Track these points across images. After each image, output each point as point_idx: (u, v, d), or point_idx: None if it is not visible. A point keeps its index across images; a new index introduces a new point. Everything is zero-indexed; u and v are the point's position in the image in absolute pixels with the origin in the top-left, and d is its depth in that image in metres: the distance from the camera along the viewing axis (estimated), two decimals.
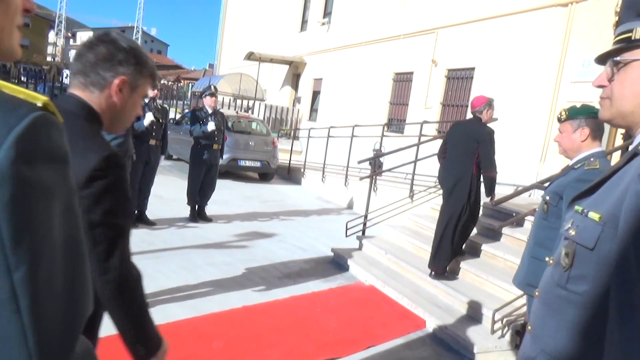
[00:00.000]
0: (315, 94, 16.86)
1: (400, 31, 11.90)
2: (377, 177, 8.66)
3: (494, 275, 4.46)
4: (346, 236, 6.35)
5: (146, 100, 6.20)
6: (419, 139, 7.78)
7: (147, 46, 63.82)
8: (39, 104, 0.65)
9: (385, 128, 11.32)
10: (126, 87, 1.37)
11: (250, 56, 17.88)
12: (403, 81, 11.95)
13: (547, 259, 2.65)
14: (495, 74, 8.96)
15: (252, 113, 16.29)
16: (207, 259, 5.43)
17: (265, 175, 11.94)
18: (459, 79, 10.07)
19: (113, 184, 1.26)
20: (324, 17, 16.48)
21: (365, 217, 6.42)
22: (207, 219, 7.13)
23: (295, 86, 18.68)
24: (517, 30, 8.59)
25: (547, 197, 2.73)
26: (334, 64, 15.23)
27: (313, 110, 17.00)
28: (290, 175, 12.88)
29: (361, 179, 6.67)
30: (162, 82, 46.60)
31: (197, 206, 7.12)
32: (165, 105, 8.53)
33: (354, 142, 10.86)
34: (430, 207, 6.60)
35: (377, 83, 12.80)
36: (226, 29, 27.70)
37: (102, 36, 1.39)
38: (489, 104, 4.77)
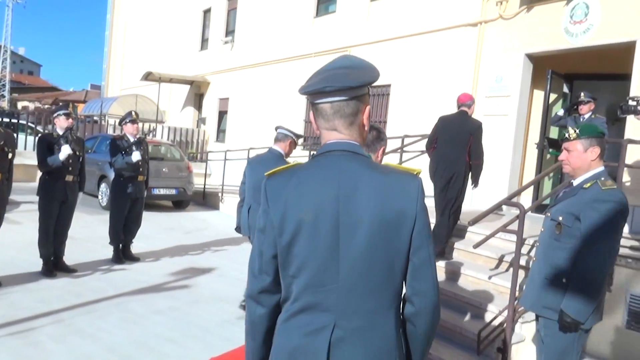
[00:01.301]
0: (222, 114, 16.32)
1: (311, 50, 11.92)
2: None
3: (467, 295, 4.46)
4: None
5: (60, 132, 5.47)
6: None
7: (16, 67, 57.88)
8: None
9: (303, 147, 11.24)
10: None
11: (148, 76, 16.87)
12: None
13: (564, 280, 2.64)
14: (412, 91, 9.26)
15: (154, 136, 15.35)
16: (149, 306, 4.84)
17: (180, 202, 11.21)
18: (375, 96, 10.26)
19: None
20: (226, 35, 16.06)
21: None
22: (134, 259, 6.44)
23: (198, 106, 17.96)
24: (431, 48, 8.96)
25: (560, 218, 2.70)
26: (241, 83, 14.87)
27: (220, 130, 16.43)
28: (206, 200, 12.25)
29: None
30: (37, 105, 42.62)
31: (121, 245, 6.40)
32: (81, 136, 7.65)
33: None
34: None
35: (290, 101, 12.67)
36: (114, 47, 26.03)
37: None
38: (474, 101, 5.35)
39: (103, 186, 10.21)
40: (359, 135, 1.54)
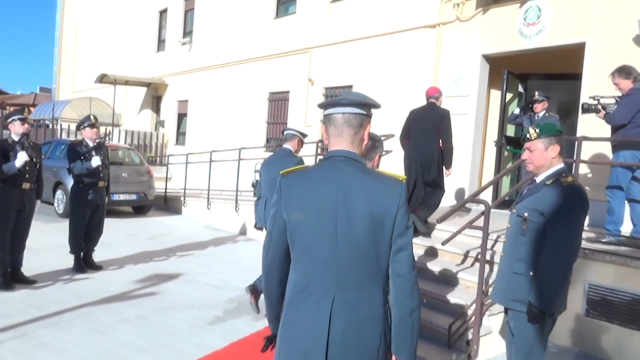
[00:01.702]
0: (181, 117, 16.04)
1: (272, 51, 11.89)
2: None
3: (434, 289, 4.56)
4: None
5: (16, 138, 5.25)
6: (316, 158, 7.78)
7: None
8: None
9: (272, 148, 11.21)
10: None
11: (102, 78, 16.38)
12: (279, 100, 11.93)
13: (531, 273, 2.76)
14: (374, 91, 9.35)
15: (111, 140, 14.94)
16: (116, 316, 4.71)
17: (141, 208, 10.95)
18: (338, 96, 10.33)
19: None
20: (184, 36, 15.79)
21: None
22: (97, 267, 6.25)
23: (156, 109, 17.58)
24: (392, 49, 9.10)
25: (526, 214, 2.81)
26: (201, 84, 14.66)
27: (180, 133, 16.14)
28: (168, 205, 12.01)
29: None
30: None
31: (82, 253, 6.20)
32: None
33: (232, 164, 10.52)
34: None
35: (251, 103, 12.59)
36: (65, 48, 25.13)
37: None
38: (441, 93, 5.89)
39: (59, 193, 9.86)
40: (358, 146, 1.91)
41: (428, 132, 5.56)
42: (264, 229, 4.86)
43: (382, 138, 6.68)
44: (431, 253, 5.26)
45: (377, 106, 1.94)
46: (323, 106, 1.94)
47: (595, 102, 4.93)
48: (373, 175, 1.87)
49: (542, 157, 2.82)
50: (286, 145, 4.97)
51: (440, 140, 5.59)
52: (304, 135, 5.13)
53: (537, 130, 2.80)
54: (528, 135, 2.84)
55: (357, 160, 1.88)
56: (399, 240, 1.81)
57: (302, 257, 1.86)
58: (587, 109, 4.96)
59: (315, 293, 1.82)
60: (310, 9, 11.02)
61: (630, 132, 4.65)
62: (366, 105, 1.89)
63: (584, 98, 6.50)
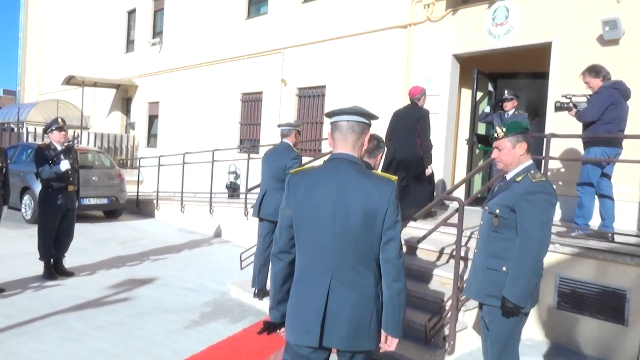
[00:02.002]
0: (152, 119, 15.78)
1: (244, 51, 11.81)
2: (248, 203, 8.41)
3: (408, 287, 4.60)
4: (241, 269, 6.00)
5: None
6: None
7: None
8: None
9: (240, 149, 11.15)
10: None
11: (70, 80, 15.99)
12: (252, 101, 11.86)
13: (504, 268, 2.82)
14: (347, 91, 9.42)
15: (80, 143, 14.59)
16: (89, 322, 4.61)
17: (112, 212, 10.73)
18: (310, 97, 10.35)
19: None
20: (153, 37, 15.55)
21: None
22: (68, 273, 6.10)
23: (126, 111, 17.26)
24: (364, 49, 9.16)
25: (497, 211, 2.87)
26: (172, 86, 14.46)
27: (151, 135, 15.88)
28: (140, 208, 11.81)
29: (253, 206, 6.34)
30: None
31: (52, 260, 6.04)
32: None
33: (205, 166, 10.42)
34: None
35: (224, 104, 12.49)
36: (30, 50, 24.45)
37: None
38: (424, 93, 6.09)
39: (26, 198, 9.58)
40: (359, 150, 2.26)
41: (408, 131, 5.84)
42: (259, 219, 5.25)
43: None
44: (407, 251, 5.31)
45: (375, 117, 2.29)
46: (330, 115, 2.27)
47: (568, 100, 5.07)
48: (368, 176, 2.21)
49: (510, 155, 2.88)
50: (285, 140, 5.21)
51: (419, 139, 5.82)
52: (298, 126, 5.40)
53: (504, 129, 2.87)
54: (495, 135, 2.91)
55: (356, 162, 2.23)
56: (389, 232, 2.16)
57: (305, 244, 2.21)
58: (560, 107, 5.10)
59: (315, 275, 2.18)
60: (282, 9, 10.99)
61: (600, 129, 4.80)
62: (367, 115, 2.25)
63: (552, 96, 6.68)
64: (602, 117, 4.77)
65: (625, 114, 4.85)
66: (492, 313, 2.87)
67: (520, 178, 2.84)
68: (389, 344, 2.22)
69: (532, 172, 2.83)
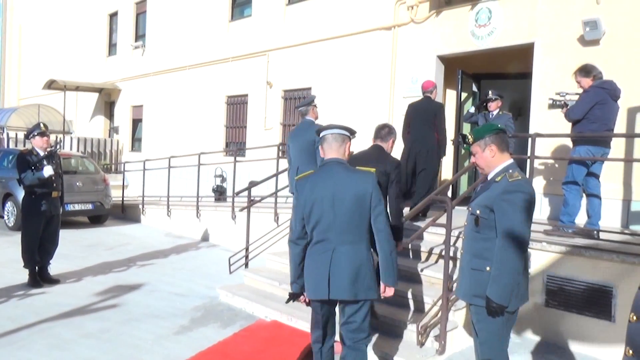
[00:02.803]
0: (136, 122, 15.63)
1: (228, 54, 11.76)
2: (235, 206, 8.38)
3: (405, 288, 4.62)
4: (230, 273, 5.97)
5: None
6: (278, 161, 7.76)
7: None
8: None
9: (231, 152, 11.10)
10: None
11: (51, 84, 15.76)
12: (237, 104, 11.81)
13: (487, 268, 2.84)
14: (333, 93, 9.44)
15: (63, 148, 14.38)
16: (77, 330, 4.55)
17: (97, 217, 10.61)
18: (296, 99, 10.33)
19: None
20: (136, 40, 15.41)
21: (247, 249, 6.12)
22: (54, 281, 6.02)
23: (109, 115, 17.07)
24: (349, 51, 9.18)
25: (478, 211, 2.90)
26: (156, 89, 14.34)
27: (135, 139, 15.73)
28: (126, 213, 11.68)
29: (241, 209, 6.34)
30: None
31: (37, 267, 5.95)
32: None
33: (191, 170, 10.36)
34: None
35: (209, 107, 12.42)
36: (9, 53, 24.04)
37: None
38: (435, 87, 6.26)
39: (9, 205, 9.42)
40: (343, 155, 3.08)
41: (425, 124, 6.00)
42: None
43: None
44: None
45: (353, 132, 3.15)
46: (318, 132, 3.16)
47: (562, 98, 5.15)
48: (353, 171, 3.06)
49: (482, 159, 2.95)
50: (307, 117, 5.50)
51: (437, 133, 6.02)
52: (313, 100, 5.63)
53: (472, 136, 2.93)
54: (467, 141, 2.95)
55: (343, 163, 3.06)
56: (377, 209, 2.99)
57: (314, 226, 2.98)
58: (553, 105, 5.18)
59: (322, 248, 2.97)
60: (266, 11, 10.97)
61: (585, 128, 4.88)
62: (345, 129, 3.09)
63: (535, 96, 6.78)
64: (587, 117, 4.83)
65: (613, 114, 4.89)
66: (479, 313, 2.90)
67: (499, 178, 2.88)
68: (388, 292, 3.11)
69: (510, 171, 2.87)
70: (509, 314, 2.86)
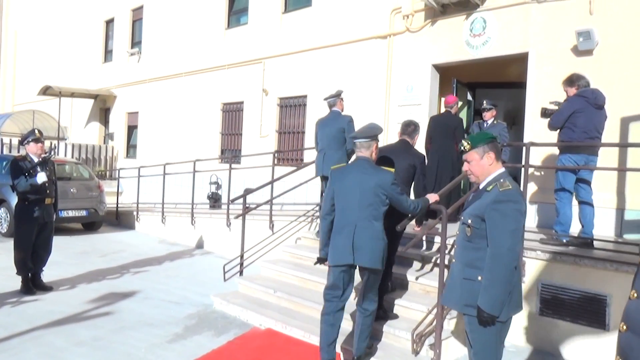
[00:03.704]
0: (131, 129, 15.60)
1: (224, 61, 11.78)
2: (230, 213, 8.36)
3: (392, 296, 4.62)
4: (225, 280, 5.94)
5: None
6: (273, 168, 7.76)
7: None
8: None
9: (227, 159, 11.09)
10: None
11: (46, 90, 15.72)
12: (233, 111, 11.82)
13: (479, 278, 2.84)
14: None
15: (57, 154, 14.32)
16: (70, 338, 4.51)
17: (91, 224, 10.55)
18: (292, 107, 10.37)
19: None
20: (132, 47, 15.41)
21: (242, 257, 6.10)
22: (47, 288, 5.97)
23: (104, 121, 17.03)
24: (345, 59, 9.22)
25: (469, 221, 2.90)
26: (151, 96, 14.33)
27: (130, 146, 15.69)
28: (120, 220, 11.63)
29: (236, 217, 6.32)
30: None
31: (30, 274, 5.90)
32: None
33: (186, 177, 10.34)
34: (298, 237, 6.59)
35: (205, 114, 12.41)
36: (4, 59, 23.98)
37: None
38: (457, 102, 6.76)
39: (2, 211, 9.37)
40: (371, 155, 3.83)
41: (446, 137, 6.39)
42: (321, 178, 6.37)
43: None
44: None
45: (377, 133, 3.87)
46: (352, 138, 3.95)
47: (556, 107, 5.19)
48: (376, 168, 3.80)
49: (479, 167, 2.93)
50: (335, 109, 6.15)
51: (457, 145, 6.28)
52: (340, 94, 6.26)
53: (469, 142, 2.92)
54: (462, 148, 2.95)
55: (369, 161, 3.83)
56: (394, 196, 3.73)
57: (341, 207, 3.78)
58: (544, 114, 5.22)
59: (346, 224, 3.72)
60: (263, 19, 11.02)
61: (567, 136, 4.96)
62: (370, 136, 3.82)
63: (530, 105, 6.82)
64: (567, 125, 4.92)
65: (595, 122, 4.90)
66: (471, 323, 2.88)
67: (490, 187, 2.87)
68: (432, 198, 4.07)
69: (501, 180, 2.87)
70: (501, 324, 2.85)
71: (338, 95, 6.19)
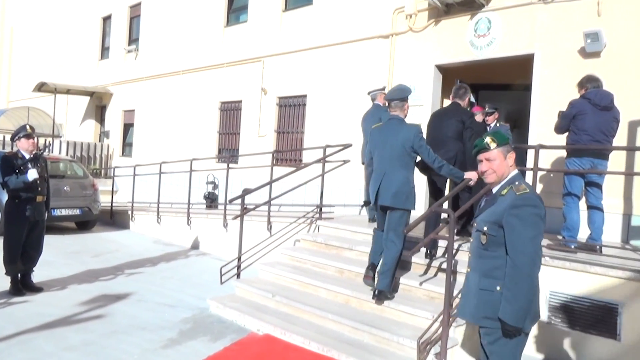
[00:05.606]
0: (127, 127, 15.40)
1: (223, 60, 11.61)
2: (227, 214, 8.19)
3: (395, 302, 4.47)
4: (221, 283, 5.76)
5: None
6: (272, 169, 7.59)
7: None
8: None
9: (224, 159, 10.92)
10: None
11: (41, 87, 15.51)
12: (231, 110, 11.64)
13: (497, 288, 2.66)
14: (329, 101, 9.32)
15: (52, 152, 14.12)
16: (59, 343, 4.32)
17: (85, 223, 10.35)
18: (291, 106, 10.20)
19: None
20: (129, 44, 15.22)
21: (239, 259, 5.92)
22: (36, 289, 5.77)
23: (100, 119, 16.83)
24: (346, 59, 9.07)
25: (485, 228, 2.73)
26: (148, 94, 14.14)
27: (126, 144, 15.48)
28: (115, 220, 11.43)
29: (234, 217, 6.13)
30: None
31: (19, 275, 5.71)
32: None
33: (182, 176, 10.16)
34: (297, 239, 6.43)
35: (202, 113, 12.24)
36: None
37: None
38: (481, 112, 6.75)
39: None
40: (402, 113, 4.64)
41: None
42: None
43: (340, 148, 6.67)
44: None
45: (407, 94, 4.66)
46: (387, 99, 4.72)
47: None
48: (405, 124, 4.52)
49: (503, 166, 2.77)
50: (376, 102, 6.71)
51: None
52: (383, 89, 6.92)
53: (495, 140, 2.76)
54: (486, 145, 2.78)
55: (401, 119, 4.57)
56: (417, 147, 4.42)
57: (376, 157, 4.62)
58: (559, 117, 5.15)
59: (378, 171, 4.53)
60: (262, 17, 10.86)
61: (571, 139, 4.89)
62: (401, 98, 4.59)
63: (535, 108, 6.69)
64: (571, 128, 4.85)
65: (599, 124, 4.78)
66: (491, 335, 2.72)
67: (505, 191, 2.72)
68: (470, 176, 4.46)
69: (516, 183, 2.72)
70: (523, 335, 2.71)
71: (381, 89, 6.81)
